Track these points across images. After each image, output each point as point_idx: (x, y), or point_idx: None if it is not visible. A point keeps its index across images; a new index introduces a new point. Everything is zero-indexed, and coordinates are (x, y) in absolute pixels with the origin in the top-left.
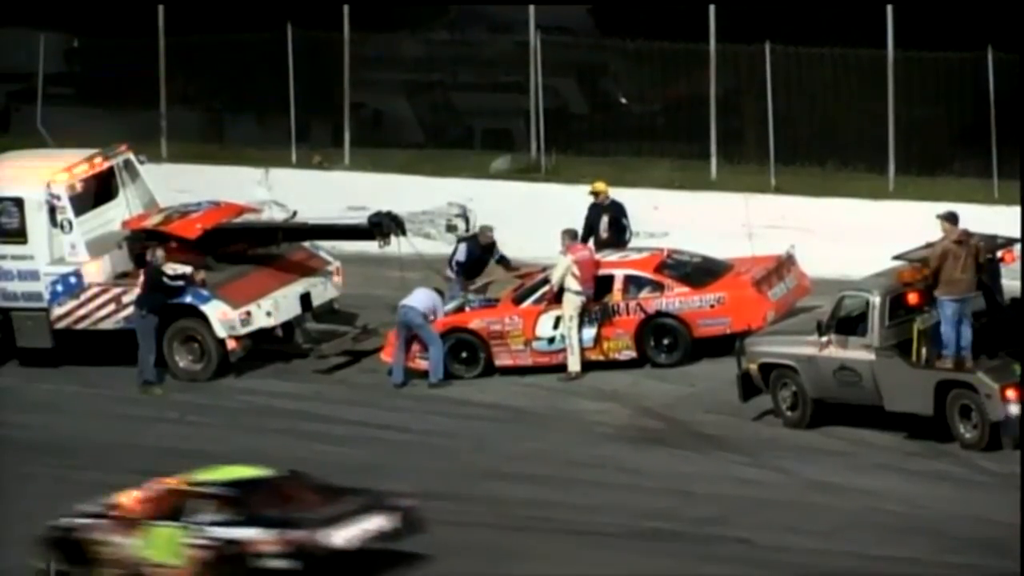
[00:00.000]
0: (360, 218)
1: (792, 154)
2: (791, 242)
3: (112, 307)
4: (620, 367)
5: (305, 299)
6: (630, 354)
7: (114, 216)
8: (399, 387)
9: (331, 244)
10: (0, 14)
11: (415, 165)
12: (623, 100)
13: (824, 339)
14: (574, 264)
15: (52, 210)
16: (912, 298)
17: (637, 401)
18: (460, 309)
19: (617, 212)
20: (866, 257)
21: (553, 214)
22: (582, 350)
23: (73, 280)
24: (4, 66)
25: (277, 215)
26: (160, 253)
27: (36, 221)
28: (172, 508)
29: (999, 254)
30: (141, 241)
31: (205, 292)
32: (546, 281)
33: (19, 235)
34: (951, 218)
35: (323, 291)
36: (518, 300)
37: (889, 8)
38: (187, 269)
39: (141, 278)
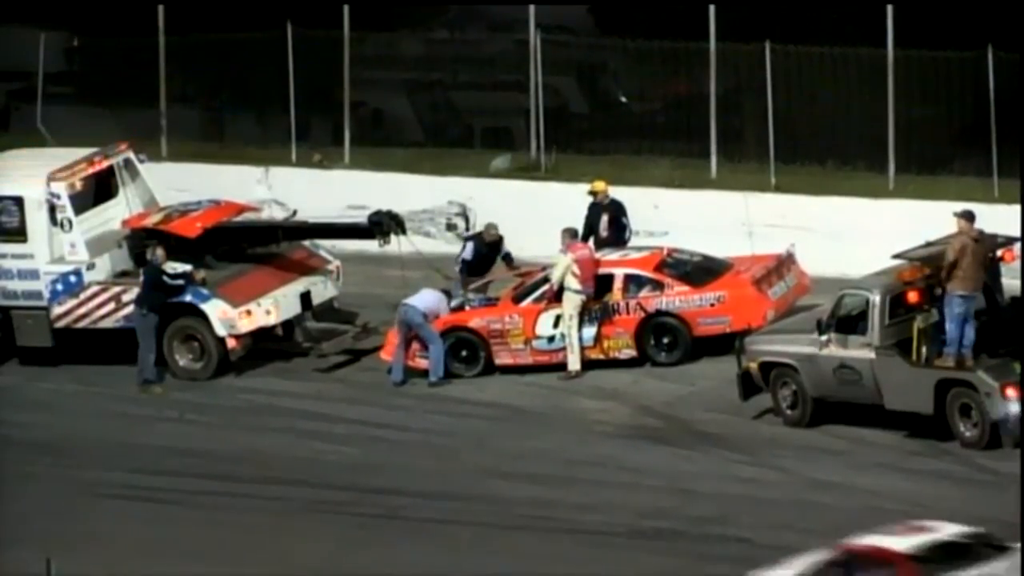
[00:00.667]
0: (360, 217)
1: (792, 153)
2: (791, 241)
3: (112, 306)
4: (620, 366)
5: (305, 298)
6: (630, 353)
7: (114, 215)
8: (399, 386)
9: (331, 243)
10: (0, 13)
11: (415, 164)
12: (623, 99)
13: (824, 338)
14: (574, 263)
15: (52, 209)
16: (912, 297)
17: (637, 400)
18: (460, 308)
19: (617, 211)
20: (866, 256)
21: (553, 213)
22: (582, 349)
23: (73, 279)
24: (4, 64)
25: (277, 214)
26: (160, 252)
27: (36, 220)
28: None
29: (999, 253)
30: (141, 240)
31: (205, 291)
32: (546, 280)
33: (19, 234)
34: (968, 216)
35: (323, 290)
36: (518, 299)
37: (889, 7)
38: (187, 268)
39: (141, 277)
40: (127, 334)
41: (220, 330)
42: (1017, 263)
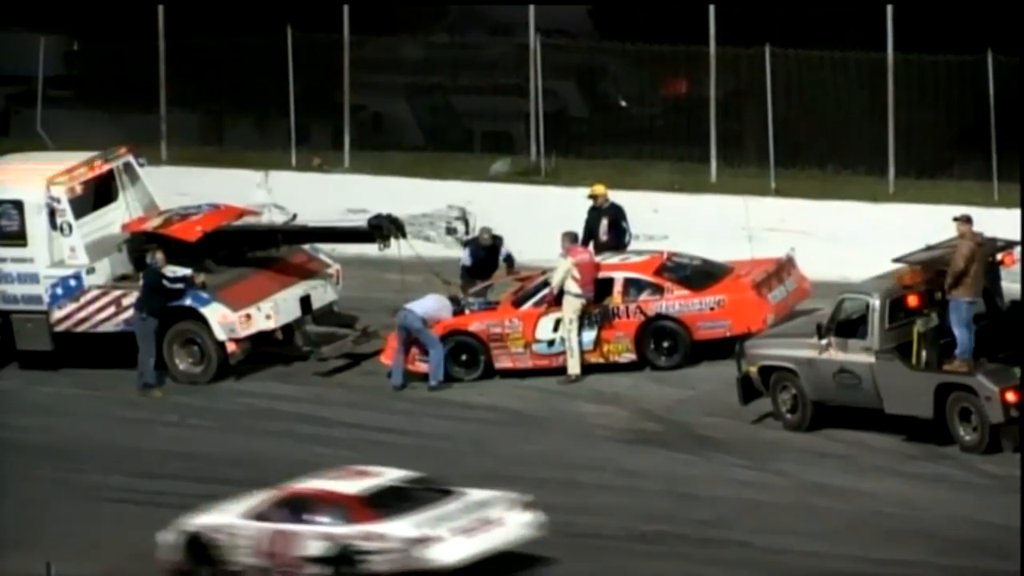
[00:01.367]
0: (360, 221)
1: (792, 157)
2: (791, 245)
3: (112, 310)
4: (620, 370)
5: (305, 302)
6: (630, 357)
7: (114, 219)
8: (398, 390)
9: (331, 247)
10: (0, 17)
11: (415, 168)
12: (623, 103)
13: (824, 342)
14: (574, 267)
15: (52, 213)
16: (912, 301)
17: (637, 404)
18: (460, 312)
19: (617, 215)
20: (866, 260)
21: (553, 217)
22: (582, 353)
23: (73, 283)
24: (4, 69)
25: (277, 218)
26: (160, 256)
27: (36, 224)
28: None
29: (999, 256)
30: (141, 244)
31: (205, 295)
32: (546, 284)
33: (19, 238)
34: (969, 220)
35: (323, 294)
36: (518, 303)
37: (889, 11)
38: (187, 272)
39: (141, 281)
40: (127, 338)
41: (220, 334)
42: (1017, 267)
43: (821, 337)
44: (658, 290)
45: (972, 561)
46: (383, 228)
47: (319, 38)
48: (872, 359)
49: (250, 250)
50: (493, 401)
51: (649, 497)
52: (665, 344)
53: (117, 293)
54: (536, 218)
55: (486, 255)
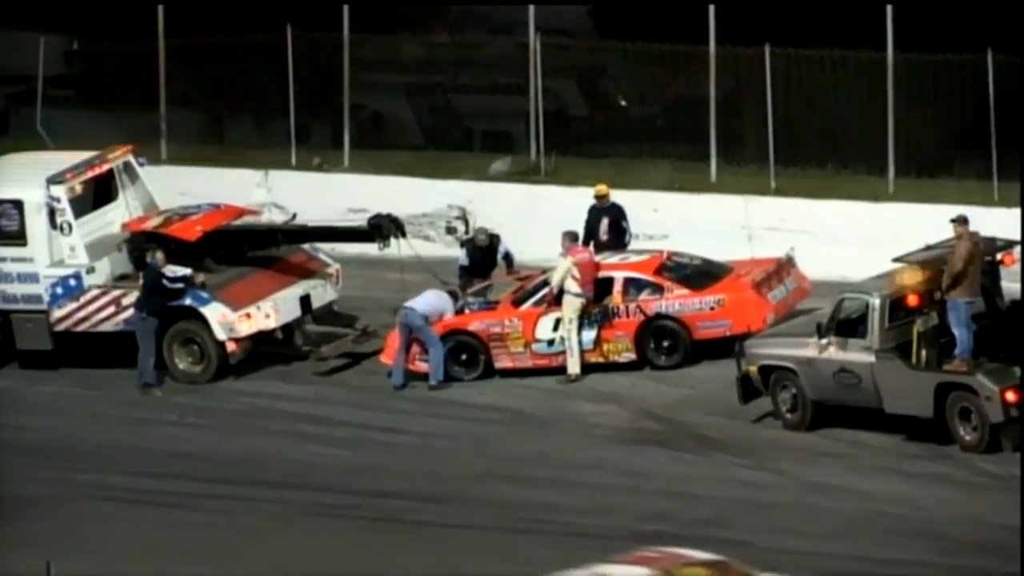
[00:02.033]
0: (360, 220)
1: (792, 156)
2: (791, 244)
3: (112, 309)
4: (620, 369)
5: (305, 301)
6: (630, 356)
7: (114, 218)
8: (399, 389)
9: (331, 246)
10: (0, 16)
11: (415, 167)
12: (623, 102)
13: (824, 341)
14: (574, 266)
15: (52, 212)
16: (912, 300)
17: (637, 403)
18: (460, 311)
19: (617, 214)
20: (866, 259)
21: (553, 216)
22: (582, 352)
23: (73, 282)
24: (4, 68)
25: (277, 217)
26: (160, 255)
27: (36, 223)
28: None
29: (999, 256)
30: (141, 243)
31: (205, 294)
32: (546, 283)
33: (19, 237)
34: (965, 221)
35: (323, 293)
36: (518, 302)
37: (889, 10)
38: (187, 271)
39: (140, 280)
40: (127, 337)
41: (220, 333)
42: (1017, 266)
43: (821, 336)
44: (658, 289)
45: (972, 560)
46: (383, 228)
47: (319, 37)
48: (872, 358)
49: (250, 250)
50: (493, 401)
51: (649, 496)
52: (665, 343)
53: (117, 293)
54: (536, 217)
55: (483, 255)
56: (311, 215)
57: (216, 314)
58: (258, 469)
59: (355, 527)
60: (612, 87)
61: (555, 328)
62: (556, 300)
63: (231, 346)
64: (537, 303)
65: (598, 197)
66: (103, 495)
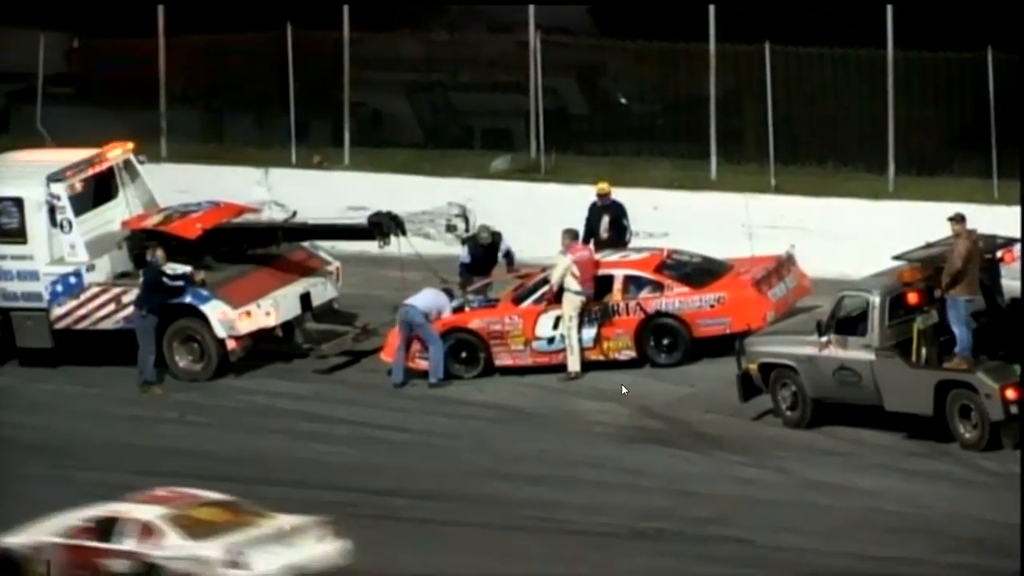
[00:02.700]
0: (360, 218)
1: (792, 154)
2: (791, 242)
3: (112, 307)
4: (620, 367)
5: (305, 299)
6: (630, 354)
7: (114, 216)
8: (398, 387)
9: (331, 244)
10: (0, 14)
11: (415, 165)
12: (623, 100)
13: (824, 339)
14: (574, 264)
15: (52, 210)
16: (912, 298)
17: (637, 401)
18: (460, 309)
19: (617, 212)
20: (866, 257)
21: (553, 214)
22: (582, 350)
23: (73, 280)
24: (4, 66)
25: (277, 215)
26: (160, 253)
27: (36, 221)
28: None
29: (999, 254)
30: (141, 241)
31: (205, 292)
32: (546, 281)
33: (19, 235)
34: (963, 219)
35: (323, 291)
36: (518, 300)
37: (889, 8)
38: (187, 269)
39: (141, 278)
40: (127, 335)
41: (220, 331)
42: (1017, 264)
43: (821, 334)
44: (658, 287)
45: (972, 558)
46: (383, 225)
47: (319, 35)
48: (872, 356)
49: (250, 247)
50: (493, 398)
51: (649, 494)
52: (665, 341)
53: (117, 290)
54: (536, 215)
55: (485, 253)
56: (311, 213)
57: (216, 312)
58: (258, 467)
59: (354, 524)
60: (612, 85)
61: (555, 326)
62: (556, 298)
63: (231, 344)
64: (537, 301)
65: (601, 195)
66: (103, 493)
